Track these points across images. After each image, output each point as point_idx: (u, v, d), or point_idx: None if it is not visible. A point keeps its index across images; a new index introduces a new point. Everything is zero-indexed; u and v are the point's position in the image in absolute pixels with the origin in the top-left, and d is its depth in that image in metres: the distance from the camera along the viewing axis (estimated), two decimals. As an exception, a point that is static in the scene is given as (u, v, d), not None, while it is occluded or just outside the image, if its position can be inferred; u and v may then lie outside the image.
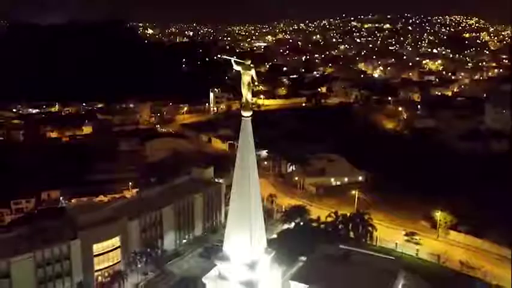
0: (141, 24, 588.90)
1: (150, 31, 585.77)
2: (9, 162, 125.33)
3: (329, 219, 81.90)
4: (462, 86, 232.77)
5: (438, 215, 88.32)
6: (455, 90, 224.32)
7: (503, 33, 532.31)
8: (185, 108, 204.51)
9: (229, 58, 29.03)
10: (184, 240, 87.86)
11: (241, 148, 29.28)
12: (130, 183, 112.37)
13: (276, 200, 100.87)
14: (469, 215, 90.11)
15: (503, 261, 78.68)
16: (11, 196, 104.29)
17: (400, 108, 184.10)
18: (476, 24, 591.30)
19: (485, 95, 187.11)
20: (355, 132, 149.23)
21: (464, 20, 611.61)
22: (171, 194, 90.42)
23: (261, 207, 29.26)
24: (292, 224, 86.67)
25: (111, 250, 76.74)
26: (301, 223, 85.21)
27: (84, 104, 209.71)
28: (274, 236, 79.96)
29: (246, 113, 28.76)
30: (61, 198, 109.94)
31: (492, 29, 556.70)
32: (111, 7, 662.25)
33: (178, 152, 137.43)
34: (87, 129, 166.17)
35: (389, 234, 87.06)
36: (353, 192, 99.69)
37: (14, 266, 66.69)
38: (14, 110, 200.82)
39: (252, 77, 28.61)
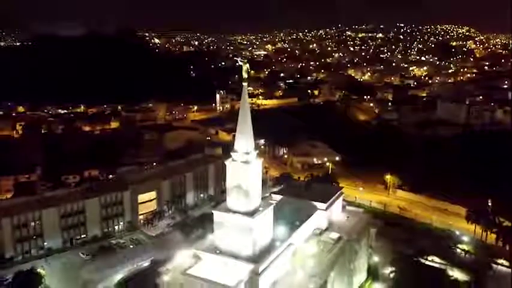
0: (147, 34, 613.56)
1: (156, 40, 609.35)
2: (55, 148, 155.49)
3: (306, 178, 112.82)
4: (434, 88, 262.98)
5: (388, 178, 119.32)
6: (428, 92, 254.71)
7: (491, 41, 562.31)
8: (195, 108, 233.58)
9: (236, 59, 60.64)
10: (201, 196, 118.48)
11: (242, 101, 59.63)
12: (154, 164, 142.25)
13: (270, 172, 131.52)
14: (413, 178, 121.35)
15: (433, 209, 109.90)
16: (60, 174, 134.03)
17: (372, 105, 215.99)
18: (466, 33, 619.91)
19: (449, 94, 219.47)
20: (335, 122, 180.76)
21: (454, 29, 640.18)
22: (191, 165, 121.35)
23: (251, 128, 59.75)
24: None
25: (150, 200, 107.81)
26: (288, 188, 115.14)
27: (105, 106, 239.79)
28: (267, 194, 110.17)
29: (244, 83, 59.31)
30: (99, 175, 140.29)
31: (482, 38, 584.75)
32: (114, 17, 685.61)
33: (191, 141, 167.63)
34: (114, 124, 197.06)
35: (352, 193, 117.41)
36: (327, 164, 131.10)
37: (87, 206, 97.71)
38: (46, 111, 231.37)
39: (247, 67, 59.23)
